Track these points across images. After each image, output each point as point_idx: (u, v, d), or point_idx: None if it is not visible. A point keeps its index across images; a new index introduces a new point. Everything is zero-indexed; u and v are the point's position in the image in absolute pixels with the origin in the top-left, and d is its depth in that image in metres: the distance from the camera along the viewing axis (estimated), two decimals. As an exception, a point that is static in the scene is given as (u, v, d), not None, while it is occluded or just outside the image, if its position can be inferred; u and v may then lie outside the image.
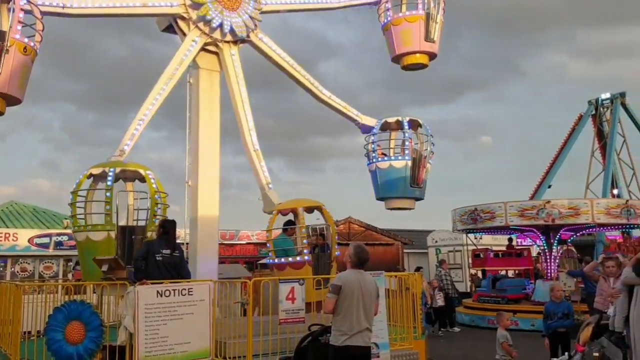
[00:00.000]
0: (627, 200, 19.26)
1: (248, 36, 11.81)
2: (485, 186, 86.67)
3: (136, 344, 6.85)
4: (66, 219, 22.60)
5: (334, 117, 13.57)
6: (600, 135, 33.63)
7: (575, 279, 16.75)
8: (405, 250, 33.58)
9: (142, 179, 10.06)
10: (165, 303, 7.11)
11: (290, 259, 10.39)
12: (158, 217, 9.60)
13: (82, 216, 9.69)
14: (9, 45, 9.25)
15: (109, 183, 9.34)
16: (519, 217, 18.12)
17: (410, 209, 13.18)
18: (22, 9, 9.55)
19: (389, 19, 13.67)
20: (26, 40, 9.62)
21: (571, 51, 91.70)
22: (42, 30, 10.12)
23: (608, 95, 33.48)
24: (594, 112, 33.67)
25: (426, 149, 12.91)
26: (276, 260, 10.60)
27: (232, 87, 11.86)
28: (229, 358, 7.46)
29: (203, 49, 11.70)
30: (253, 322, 7.49)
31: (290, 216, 11.06)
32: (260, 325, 7.53)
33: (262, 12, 12.03)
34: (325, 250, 10.71)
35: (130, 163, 10.18)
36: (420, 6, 13.26)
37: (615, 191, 31.53)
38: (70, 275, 19.07)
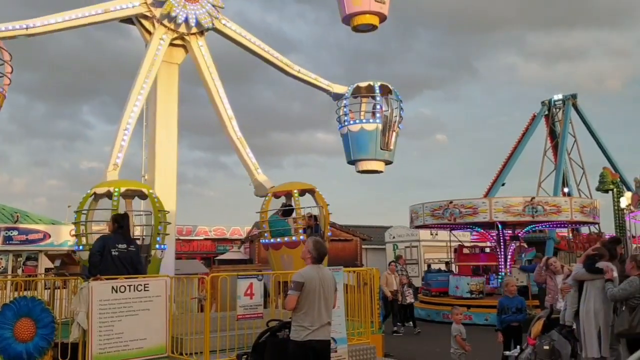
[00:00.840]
0: (533, 198, 19.91)
1: (188, 35, 11.66)
2: (441, 183, 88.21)
3: (90, 341, 6.69)
4: (16, 212, 21.87)
5: (293, 112, 13.72)
6: (553, 135, 34.65)
7: (527, 274, 17.22)
8: (363, 246, 33.85)
9: (142, 196, 9.81)
10: (120, 299, 6.97)
11: (286, 238, 10.81)
12: (161, 234, 9.36)
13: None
14: None
15: (114, 202, 9.04)
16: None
17: (379, 171, 13.49)
18: None
19: None
20: None
21: (522, 53, 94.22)
22: (11, 73, 9.87)
23: (560, 96, 34.52)
24: (546, 112, 34.68)
25: (396, 115, 13.28)
26: (272, 240, 10.98)
27: (205, 79, 11.75)
28: (186, 354, 7.37)
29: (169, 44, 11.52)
30: (210, 318, 7.41)
31: (282, 199, 11.53)
32: (218, 321, 7.46)
33: (215, 29, 11.88)
34: (318, 231, 11.05)
35: (133, 182, 9.98)
36: None
37: (565, 189, 32.54)
38: (20, 271, 18.51)
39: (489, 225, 20.45)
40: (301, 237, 10.60)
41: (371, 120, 13.14)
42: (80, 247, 9.19)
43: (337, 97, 13.25)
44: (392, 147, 13.34)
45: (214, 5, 11.60)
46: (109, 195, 9.18)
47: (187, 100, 12.35)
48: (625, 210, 26.87)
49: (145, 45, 11.63)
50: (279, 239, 10.87)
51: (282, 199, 11.51)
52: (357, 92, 13.50)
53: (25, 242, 19.74)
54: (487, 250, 21.73)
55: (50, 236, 20.29)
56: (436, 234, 29.10)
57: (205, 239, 40.77)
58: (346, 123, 13.33)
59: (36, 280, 9.26)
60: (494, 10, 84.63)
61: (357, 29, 14.10)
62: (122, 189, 9.30)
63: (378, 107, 13.11)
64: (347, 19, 13.96)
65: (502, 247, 20.26)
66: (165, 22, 11.20)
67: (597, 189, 32.66)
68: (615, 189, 31.27)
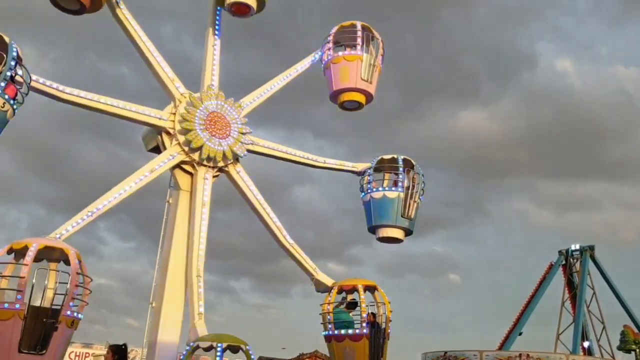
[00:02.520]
0: (521, 354, 19.33)
1: (226, 166, 12.08)
2: (453, 326, 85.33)
3: None
4: None
5: (305, 241, 13.86)
6: (571, 285, 33.92)
7: None
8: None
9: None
10: None
11: (350, 331, 11.27)
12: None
13: None
14: None
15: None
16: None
17: (399, 240, 13.78)
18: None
19: (329, 57, 14.46)
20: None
21: (534, 200, 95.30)
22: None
23: (577, 247, 34.26)
24: (564, 262, 34.25)
25: (417, 187, 13.88)
26: (335, 332, 11.39)
27: (248, 198, 12.51)
28: None
29: (182, 168, 11.91)
30: None
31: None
32: None
33: (249, 151, 12.46)
34: (379, 328, 11.49)
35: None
36: (359, 47, 14.20)
37: (585, 344, 31.19)
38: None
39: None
40: (364, 330, 11.06)
41: (393, 189, 13.66)
42: None
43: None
44: (412, 216, 13.69)
45: (242, 133, 12.16)
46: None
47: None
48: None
49: (170, 176, 12.01)
50: (342, 331, 11.31)
51: (342, 294, 12.10)
52: (380, 164, 14.16)
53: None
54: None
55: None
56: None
57: (208, 368, 39.09)
58: (369, 191, 13.88)
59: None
60: (505, 157, 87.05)
61: (344, 106, 14.80)
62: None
63: (400, 177, 13.73)
64: (334, 96, 14.53)
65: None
66: (205, 162, 11.68)
67: (619, 348, 31.28)
68: (637, 350, 29.90)
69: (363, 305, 11.41)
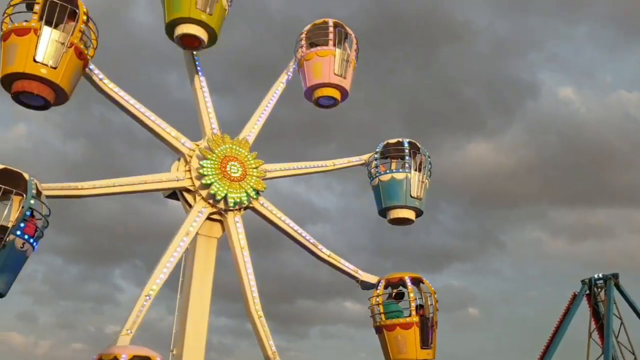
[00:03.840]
0: None
1: (250, 203, 12.27)
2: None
3: None
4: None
5: (322, 280, 14.01)
6: (597, 315, 33.15)
7: None
8: None
9: None
10: None
11: (400, 320, 12.05)
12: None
13: None
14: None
15: None
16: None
17: (411, 220, 13.95)
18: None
19: (302, 55, 14.45)
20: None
21: (547, 228, 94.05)
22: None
23: (600, 275, 33.60)
24: (587, 291, 33.55)
25: (424, 168, 14.14)
26: (386, 322, 12.23)
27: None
28: None
29: (208, 218, 12.06)
30: None
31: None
32: None
33: (266, 179, 12.63)
34: (427, 316, 12.20)
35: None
36: (331, 43, 14.17)
37: (616, 376, 30.26)
38: None
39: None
40: (414, 318, 11.80)
41: (401, 170, 13.80)
42: None
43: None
44: (421, 196, 13.77)
45: (255, 189, 12.27)
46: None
47: (217, 266, 12.64)
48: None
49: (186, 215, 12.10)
50: (393, 320, 12.08)
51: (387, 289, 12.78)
52: (386, 148, 14.12)
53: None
54: None
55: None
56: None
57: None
58: (377, 175, 14.11)
59: None
60: (515, 187, 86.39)
61: (319, 103, 14.70)
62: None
63: (407, 159, 13.93)
64: (309, 93, 14.61)
65: None
66: (207, 198, 11.82)
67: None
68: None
69: (411, 295, 12.07)
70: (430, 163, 14.31)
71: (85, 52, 11.44)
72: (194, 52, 13.77)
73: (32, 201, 9.95)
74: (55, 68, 10.64)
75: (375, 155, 14.57)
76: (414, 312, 11.96)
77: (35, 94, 10.69)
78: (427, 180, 14.11)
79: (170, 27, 12.70)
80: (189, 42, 12.74)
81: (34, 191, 10.10)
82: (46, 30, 10.77)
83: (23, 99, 11.01)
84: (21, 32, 10.71)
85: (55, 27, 11.01)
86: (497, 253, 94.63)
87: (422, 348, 12.26)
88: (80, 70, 11.41)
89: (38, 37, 10.53)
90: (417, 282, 12.56)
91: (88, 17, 11.45)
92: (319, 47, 14.24)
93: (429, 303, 12.36)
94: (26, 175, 10.17)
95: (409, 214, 13.93)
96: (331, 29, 14.24)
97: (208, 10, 12.42)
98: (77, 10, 11.20)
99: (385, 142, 14.63)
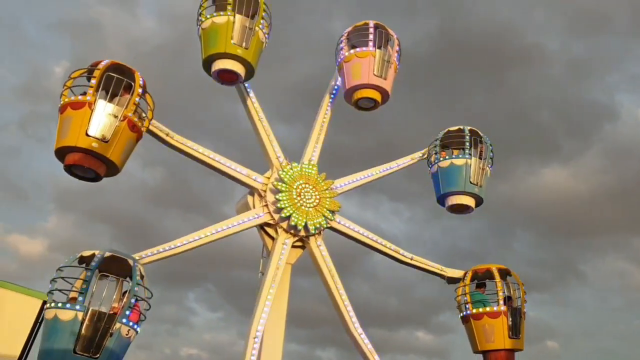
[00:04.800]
0: None
1: (307, 237, 12.63)
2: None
3: None
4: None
5: (390, 308, 14.19)
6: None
7: None
8: None
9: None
10: None
11: (487, 308, 11.91)
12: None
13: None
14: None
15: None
16: None
17: (470, 208, 13.55)
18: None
19: (341, 57, 14.26)
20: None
21: (631, 259, 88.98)
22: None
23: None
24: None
25: (486, 155, 13.83)
26: (473, 311, 12.05)
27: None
28: None
29: (266, 232, 12.78)
30: None
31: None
32: None
33: (338, 195, 13.13)
34: (515, 306, 12.11)
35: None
36: (371, 44, 13.91)
37: None
38: None
39: None
40: (502, 307, 11.66)
41: (460, 156, 13.52)
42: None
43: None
44: (482, 184, 13.45)
45: (331, 211, 12.68)
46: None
47: (296, 295, 13.17)
48: None
49: (262, 247, 12.70)
50: (480, 310, 11.91)
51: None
52: (447, 135, 14.10)
53: None
54: None
55: None
56: None
57: None
58: (436, 161, 13.79)
59: None
60: (594, 215, 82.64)
61: (359, 105, 14.18)
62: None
63: (467, 145, 13.56)
64: (348, 95, 14.15)
65: None
66: (287, 228, 12.35)
67: None
68: None
69: (499, 284, 12.03)
70: (492, 152, 14.08)
71: (140, 124, 11.61)
72: (246, 84, 14.03)
73: (136, 288, 10.20)
74: (107, 141, 10.83)
75: (436, 142, 14.14)
76: (501, 302, 11.95)
77: (86, 167, 10.96)
78: (488, 169, 13.84)
79: (207, 63, 13.03)
80: (227, 77, 12.99)
81: (139, 277, 10.36)
82: (100, 104, 11.01)
83: (75, 170, 11.31)
84: (76, 105, 10.95)
85: (111, 100, 11.24)
86: (576, 283, 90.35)
87: (510, 337, 12.05)
88: (133, 143, 11.61)
89: (92, 110, 10.80)
90: (504, 273, 12.48)
91: (144, 89, 11.76)
92: (358, 49, 14.07)
93: (517, 296, 12.34)
94: (130, 262, 10.48)
95: (468, 201, 13.54)
96: (371, 29, 14.08)
97: (244, 44, 12.65)
98: (132, 84, 11.51)
99: (446, 130, 14.25)
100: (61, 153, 11.13)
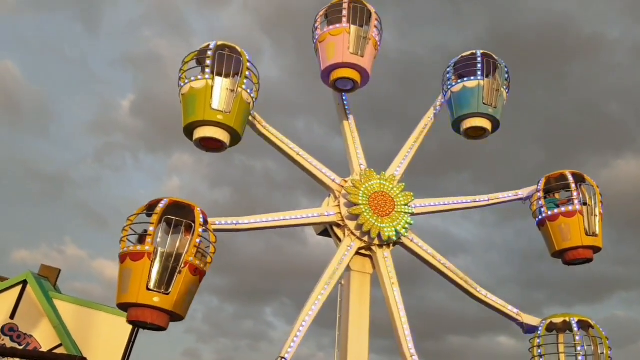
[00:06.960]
0: None
1: (399, 239, 12.37)
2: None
3: None
4: None
5: (470, 314, 13.65)
6: None
7: None
8: None
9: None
10: None
11: (562, 209, 12.29)
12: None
13: None
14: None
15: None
16: None
17: (486, 131, 13.02)
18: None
19: (316, 39, 13.54)
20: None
21: None
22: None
23: None
24: None
25: (501, 77, 13.52)
26: (549, 213, 12.36)
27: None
28: None
29: (358, 253, 12.37)
30: None
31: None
32: None
33: (414, 215, 12.66)
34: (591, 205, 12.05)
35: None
36: (344, 19, 13.04)
37: None
38: None
39: None
40: (577, 207, 11.86)
41: (472, 78, 13.08)
42: None
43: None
44: (496, 105, 12.94)
45: (406, 204, 12.38)
46: None
47: (377, 304, 12.92)
48: None
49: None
50: (555, 210, 12.03)
51: None
52: (460, 61, 13.67)
53: None
54: None
55: None
56: None
57: None
58: (449, 87, 13.41)
59: None
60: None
61: (336, 86, 13.22)
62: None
63: (479, 67, 13.09)
64: (326, 77, 13.26)
65: None
66: (356, 232, 12.15)
67: None
68: None
69: (572, 185, 12.05)
70: (508, 74, 13.56)
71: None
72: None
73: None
74: (168, 294, 9.99)
75: (449, 69, 13.92)
76: (576, 202, 11.89)
77: (149, 323, 10.10)
78: (503, 90, 13.26)
79: (187, 131, 12.10)
80: (211, 145, 11.99)
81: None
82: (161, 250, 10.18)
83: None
84: (136, 256, 10.06)
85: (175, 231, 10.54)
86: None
87: (587, 235, 12.06)
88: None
89: (152, 261, 9.99)
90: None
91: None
92: (331, 27, 13.17)
93: (592, 202, 12.24)
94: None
95: (484, 123, 12.97)
96: (345, 4, 13.13)
97: (224, 108, 11.60)
98: (193, 224, 10.51)
99: (460, 57, 13.87)
100: (123, 308, 10.45)
